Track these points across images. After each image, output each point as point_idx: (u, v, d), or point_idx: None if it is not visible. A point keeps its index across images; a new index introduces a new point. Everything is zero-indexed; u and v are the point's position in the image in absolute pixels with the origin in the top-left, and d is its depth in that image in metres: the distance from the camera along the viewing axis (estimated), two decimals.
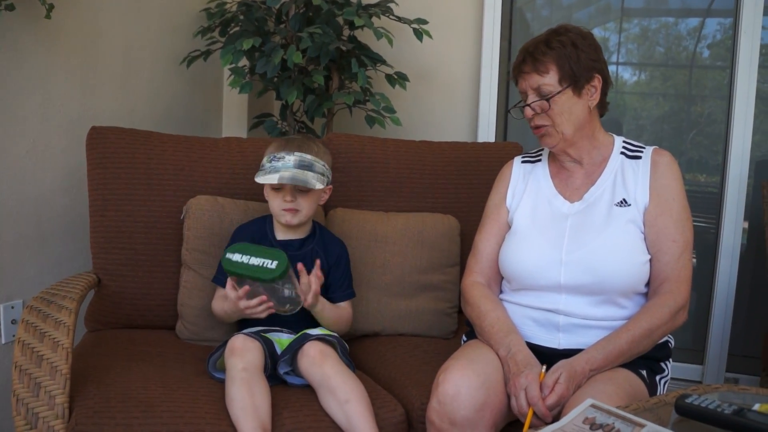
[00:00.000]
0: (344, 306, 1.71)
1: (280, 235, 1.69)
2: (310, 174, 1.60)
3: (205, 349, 1.70)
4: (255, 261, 1.48)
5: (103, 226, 1.79)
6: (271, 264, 1.47)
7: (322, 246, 1.70)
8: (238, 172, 1.91)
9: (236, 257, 1.49)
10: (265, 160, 1.63)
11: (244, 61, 2.43)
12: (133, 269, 1.79)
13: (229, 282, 1.53)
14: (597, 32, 2.80)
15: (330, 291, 1.70)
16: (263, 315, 1.54)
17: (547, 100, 1.48)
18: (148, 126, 2.22)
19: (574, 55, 1.46)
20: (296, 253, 1.67)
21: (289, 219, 1.62)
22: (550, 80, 1.47)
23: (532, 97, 1.51)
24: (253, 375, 1.42)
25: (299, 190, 1.62)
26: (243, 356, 1.45)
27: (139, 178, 1.82)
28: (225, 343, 1.53)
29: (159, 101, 2.45)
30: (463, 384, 1.34)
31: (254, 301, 1.52)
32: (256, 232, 1.69)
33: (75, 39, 2.03)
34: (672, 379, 1.58)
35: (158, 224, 1.82)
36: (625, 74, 2.81)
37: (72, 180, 2.05)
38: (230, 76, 2.36)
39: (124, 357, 1.58)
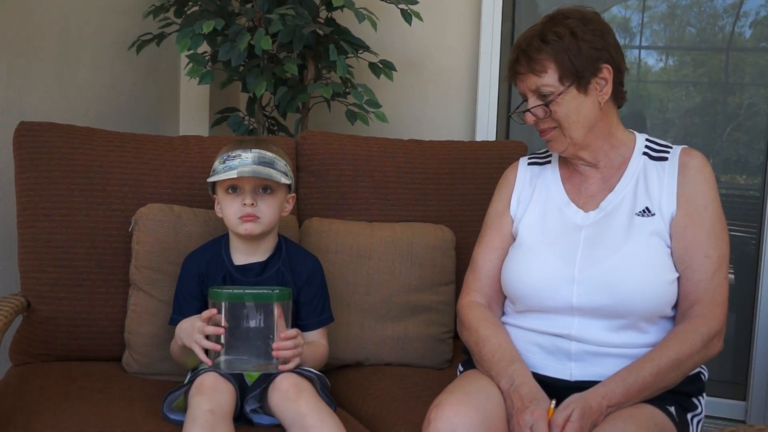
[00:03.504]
0: (319, 342, 1.70)
1: (240, 258, 1.68)
2: (272, 170, 1.61)
3: (156, 385, 1.70)
4: (251, 291, 1.54)
5: (34, 239, 1.78)
6: (274, 290, 1.54)
7: (288, 265, 1.70)
8: (198, 176, 1.90)
9: (227, 289, 1.54)
10: (217, 162, 1.64)
11: (204, 47, 2.43)
12: (70, 290, 1.78)
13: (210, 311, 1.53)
14: (616, 11, 2.82)
15: (301, 316, 1.70)
16: (206, 345, 1.51)
17: (547, 105, 1.49)
18: (90, 122, 2.21)
19: (575, 47, 1.47)
20: (257, 279, 1.67)
21: (249, 228, 1.61)
22: (548, 80, 1.48)
23: (532, 101, 1.52)
24: (220, 421, 1.41)
25: (260, 192, 1.62)
26: (212, 397, 1.44)
27: (79, 183, 1.82)
28: (189, 381, 1.52)
29: (103, 93, 2.45)
30: (459, 422, 1.34)
31: (210, 329, 1.50)
32: (211, 258, 1.68)
33: (0, 18, 2.02)
34: (707, 417, 1.59)
35: (101, 237, 1.81)
36: (649, 60, 2.83)
37: None
38: (188, 64, 2.36)
39: (58, 395, 1.57)
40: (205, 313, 1.50)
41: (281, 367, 1.51)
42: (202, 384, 1.47)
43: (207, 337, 1.50)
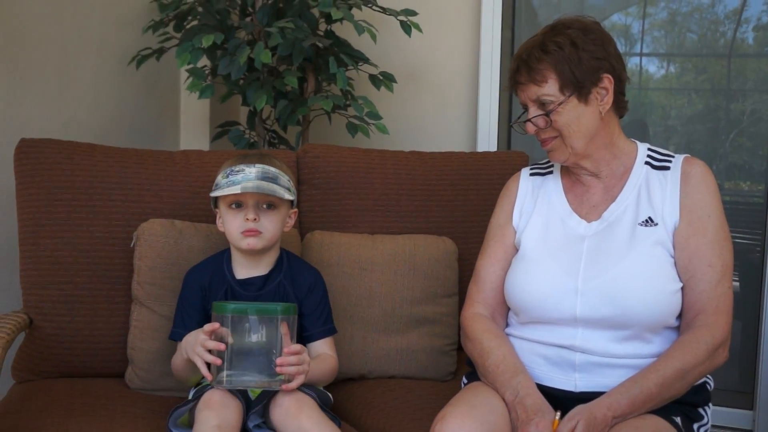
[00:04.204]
0: (327, 354, 1.70)
1: (241, 272, 1.69)
2: (275, 185, 1.61)
3: (159, 401, 1.71)
4: (255, 305, 1.54)
5: (36, 256, 1.79)
6: (277, 306, 1.53)
7: (289, 278, 1.70)
8: (198, 190, 1.91)
9: (232, 303, 1.53)
10: (219, 177, 1.64)
11: (204, 61, 2.45)
12: (72, 307, 1.79)
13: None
14: (616, 18, 2.84)
15: (306, 327, 1.70)
16: (207, 359, 1.49)
17: (548, 114, 1.50)
18: (91, 138, 2.23)
19: (575, 57, 1.48)
20: (258, 293, 1.68)
21: (251, 242, 1.62)
22: (549, 90, 1.50)
23: (533, 111, 1.53)
24: None
25: (263, 207, 1.62)
26: (220, 412, 1.45)
27: (80, 199, 1.83)
28: (195, 397, 1.53)
29: (103, 108, 2.46)
30: None
31: (212, 343, 1.48)
32: (213, 272, 1.69)
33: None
34: (714, 426, 1.59)
35: (103, 253, 1.82)
36: (650, 67, 2.84)
37: None
38: (188, 78, 2.37)
39: (61, 413, 1.57)
40: (207, 327, 1.49)
41: (285, 387, 1.49)
42: (210, 399, 1.48)
43: (210, 351, 1.49)
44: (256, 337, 1.50)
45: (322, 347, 1.70)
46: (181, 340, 1.64)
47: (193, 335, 1.55)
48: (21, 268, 1.81)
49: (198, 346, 1.49)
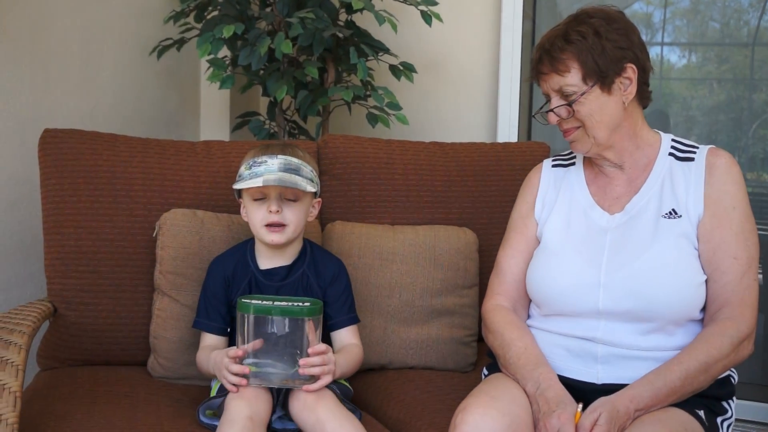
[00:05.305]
0: (352, 343, 1.70)
1: (265, 263, 1.69)
2: (298, 177, 1.61)
3: (181, 389, 1.72)
4: (281, 303, 1.52)
5: (60, 245, 1.80)
6: (304, 303, 1.51)
7: (313, 268, 1.71)
8: (220, 180, 1.92)
9: (256, 300, 1.51)
10: (242, 168, 1.64)
11: (224, 51, 2.45)
12: (95, 296, 1.80)
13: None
14: (638, 7, 2.81)
15: (331, 315, 1.70)
16: (233, 380, 1.49)
17: (570, 104, 1.49)
18: (113, 128, 2.24)
19: (598, 47, 1.47)
20: (281, 283, 1.68)
21: (275, 238, 1.62)
22: (572, 80, 1.48)
23: (555, 101, 1.52)
24: (257, 428, 1.44)
25: (286, 200, 1.62)
26: (251, 403, 1.46)
27: (103, 189, 1.84)
28: (224, 390, 1.54)
29: (125, 99, 2.47)
30: (485, 426, 1.34)
31: (236, 368, 1.48)
32: (237, 262, 1.70)
33: (22, 25, 2.05)
34: (737, 420, 1.57)
35: (126, 243, 1.83)
36: (672, 57, 2.82)
37: (22, 192, 2.06)
38: (209, 68, 2.38)
39: (84, 400, 1.59)
40: (232, 352, 1.49)
41: (306, 388, 1.49)
42: (243, 390, 1.48)
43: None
44: (281, 336, 1.49)
45: (347, 335, 1.70)
46: (203, 329, 1.67)
47: (220, 355, 1.54)
48: (45, 258, 1.82)
49: (224, 370, 1.50)
